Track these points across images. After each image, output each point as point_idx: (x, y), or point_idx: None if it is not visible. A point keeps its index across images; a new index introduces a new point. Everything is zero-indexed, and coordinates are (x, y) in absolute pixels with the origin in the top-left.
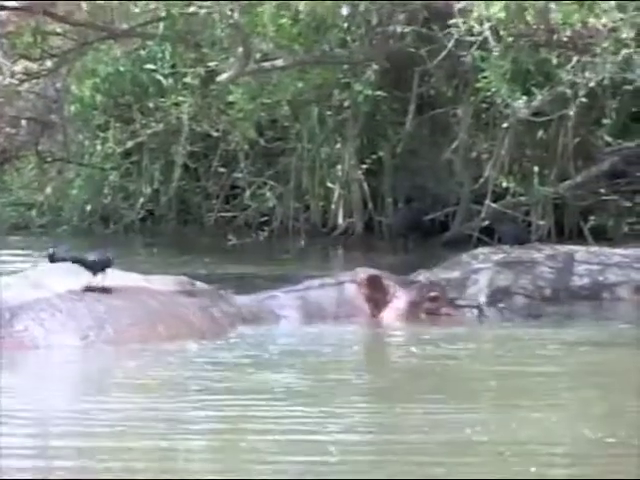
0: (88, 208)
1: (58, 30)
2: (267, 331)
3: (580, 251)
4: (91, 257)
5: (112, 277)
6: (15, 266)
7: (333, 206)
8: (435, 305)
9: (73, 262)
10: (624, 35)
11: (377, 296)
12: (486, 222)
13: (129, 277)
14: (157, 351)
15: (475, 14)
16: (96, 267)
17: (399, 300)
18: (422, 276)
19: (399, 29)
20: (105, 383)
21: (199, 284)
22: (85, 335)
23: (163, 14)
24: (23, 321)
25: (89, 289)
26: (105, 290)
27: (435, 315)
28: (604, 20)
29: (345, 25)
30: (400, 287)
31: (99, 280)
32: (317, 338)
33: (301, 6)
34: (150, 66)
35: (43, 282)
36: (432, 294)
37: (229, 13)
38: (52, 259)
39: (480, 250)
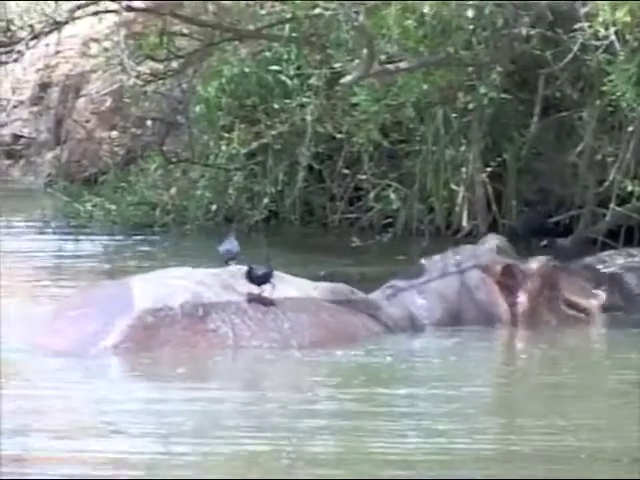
0: (212, 208)
1: (184, 31)
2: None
3: None
4: (257, 271)
5: (286, 284)
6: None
7: (457, 208)
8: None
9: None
10: None
11: (510, 283)
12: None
13: (301, 284)
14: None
15: (600, 18)
16: (260, 281)
17: (529, 286)
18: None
19: (524, 31)
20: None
21: (358, 293)
22: (272, 347)
23: (289, 16)
24: (214, 321)
25: (253, 299)
26: (270, 302)
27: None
28: None
29: (470, 27)
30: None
31: (266, 291)
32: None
33: (426, 8)
34: (275, 67)
35: (232, 284)
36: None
37: (354, 15)
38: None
39: (605, 254)
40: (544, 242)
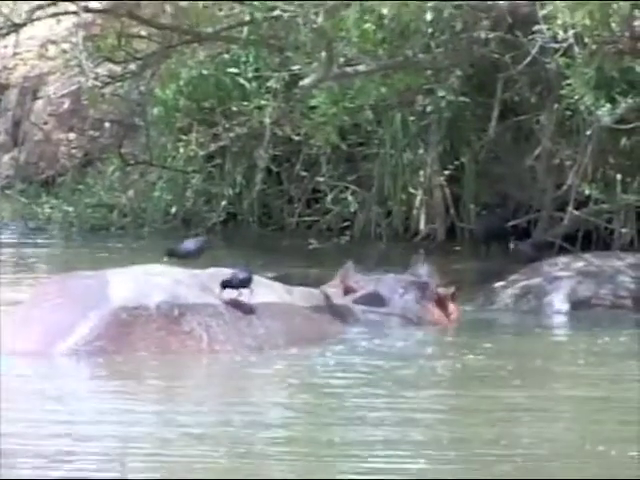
0: (170, 210)
1: (142, 33)
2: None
3: None
4: (238, 275)
5: (262, 288)
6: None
7: (415, 212)
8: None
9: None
10: None
11: (442, 299)
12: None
13: (274, 288)
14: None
15: (559, 21)
16: (239, 285)
17: (447, 295)
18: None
19: (483, 35)
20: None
21: (332, 298)
22: (244, 353)
23: (247, 18)
24: (190, 323)
25: (231, 303)
26: (249, 309)
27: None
28: None
29: (429, 30)
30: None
31: (244, 295)
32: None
33: (385, 11)
34: (233, 70)
35: (210, 286)
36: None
37: (313, 17)
38: (171, 254)
39: (560, 258)
40: (512, 245)
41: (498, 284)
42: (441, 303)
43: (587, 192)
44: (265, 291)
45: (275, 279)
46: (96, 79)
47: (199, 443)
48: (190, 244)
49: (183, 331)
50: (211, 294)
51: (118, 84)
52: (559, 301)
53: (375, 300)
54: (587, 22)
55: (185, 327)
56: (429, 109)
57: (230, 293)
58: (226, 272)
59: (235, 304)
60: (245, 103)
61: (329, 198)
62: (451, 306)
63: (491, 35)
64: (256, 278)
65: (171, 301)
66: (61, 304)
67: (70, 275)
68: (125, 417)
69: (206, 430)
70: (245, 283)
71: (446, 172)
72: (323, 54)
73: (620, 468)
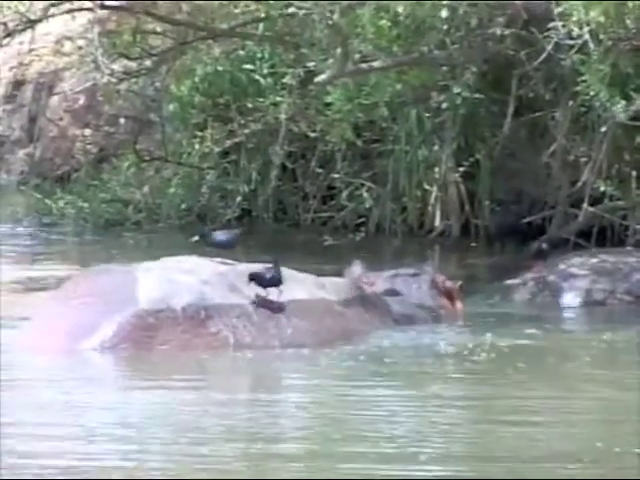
0: (185, 206)
1: (158, 29)
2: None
3: None
4: (267, 274)
5: (292, 283)
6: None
7: (430, 208)
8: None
9: (250, 278)
10: None
11: (451, 294)
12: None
13: (307, 282)
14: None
15: (574, 18)
16: (268, 284)
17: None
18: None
19: (498, 31)
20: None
21: (364, 288)
22: (268, 354)
23: (262, 15)
24: (216, 324)
25: (262, 304)
26: (279, 308)
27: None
28: None
29: (444, 27)
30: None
31: (273, 294)
32: None
33: (400, 8)
34: (249, 66)
35: (239, 286)
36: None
37: (328, 14)
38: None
39: (576, 254)
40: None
41: (513, 281)
42: (449, 295)
43: (602, 189)
44: (295, 287)
45: None
46: (111, 75)
47: (213, 445)
48: (222, 235)
49: (209, 333)
50: (239, 293)
51: (133, 80)
52: (573, 299)
53: (393, 295)
54: (602, 19)
55: (211, 329)
56: (444, 106)
57: (258, 291)
58: (255, 269)
59: (263, 303)
60: (260, 99)
61: (344, 194)
62: (458, 298)
63: (506, 32)
64: (287, 272)
65: (197, 302)
66: (89, 302)
67: (99, 270)
68: (140, 415)
69: (220, 432)
70: (273, 282)
71: (461, 169)
72: (338, 50)
73: (627, 468)
